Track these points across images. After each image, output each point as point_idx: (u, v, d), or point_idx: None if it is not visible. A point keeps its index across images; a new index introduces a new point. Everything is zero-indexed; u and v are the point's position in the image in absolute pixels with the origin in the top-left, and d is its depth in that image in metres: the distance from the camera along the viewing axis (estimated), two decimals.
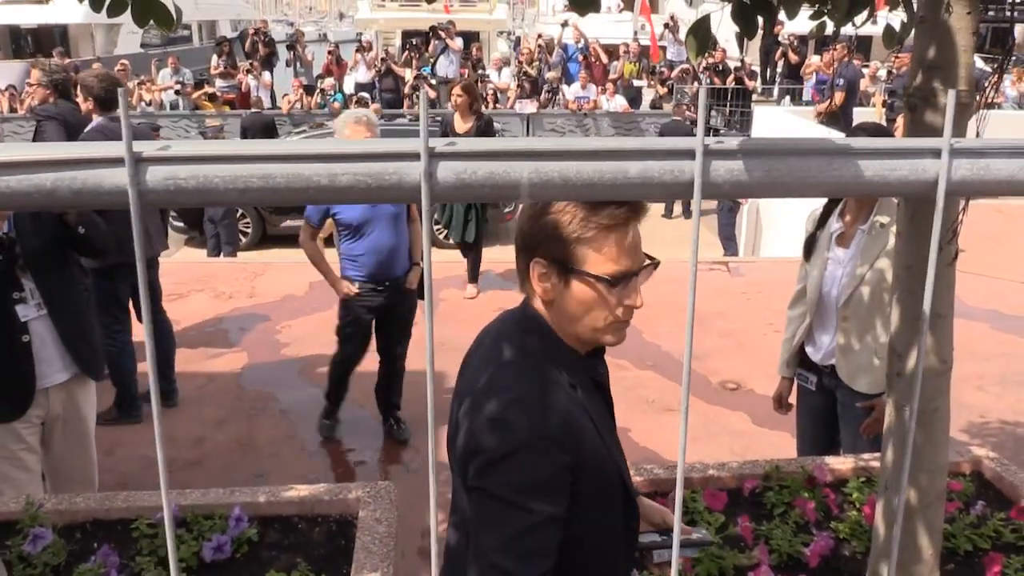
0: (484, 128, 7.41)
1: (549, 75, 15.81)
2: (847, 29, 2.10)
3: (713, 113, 14.88)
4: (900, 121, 7.88)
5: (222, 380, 5.88)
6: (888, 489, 2.07)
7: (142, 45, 23.40)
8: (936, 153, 0.38)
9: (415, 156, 0.36)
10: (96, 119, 4.86)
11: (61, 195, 0.35)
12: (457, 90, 7.35)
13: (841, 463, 3.21)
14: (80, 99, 4.93)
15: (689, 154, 0.38)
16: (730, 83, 14.63)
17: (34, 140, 6.13)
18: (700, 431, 5.11)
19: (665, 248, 11.36)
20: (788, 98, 14.67)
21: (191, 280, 7.86)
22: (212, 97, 14.42)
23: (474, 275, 7.80)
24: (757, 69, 16.65)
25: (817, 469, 3.07)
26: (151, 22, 2.27)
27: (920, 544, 2.12)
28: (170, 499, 2.67)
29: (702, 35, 1.59)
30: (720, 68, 15.34)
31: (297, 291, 7.46)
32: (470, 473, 1.44)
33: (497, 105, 14.69)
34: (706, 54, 1.88)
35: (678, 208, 12.38)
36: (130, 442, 4.95)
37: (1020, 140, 0.41)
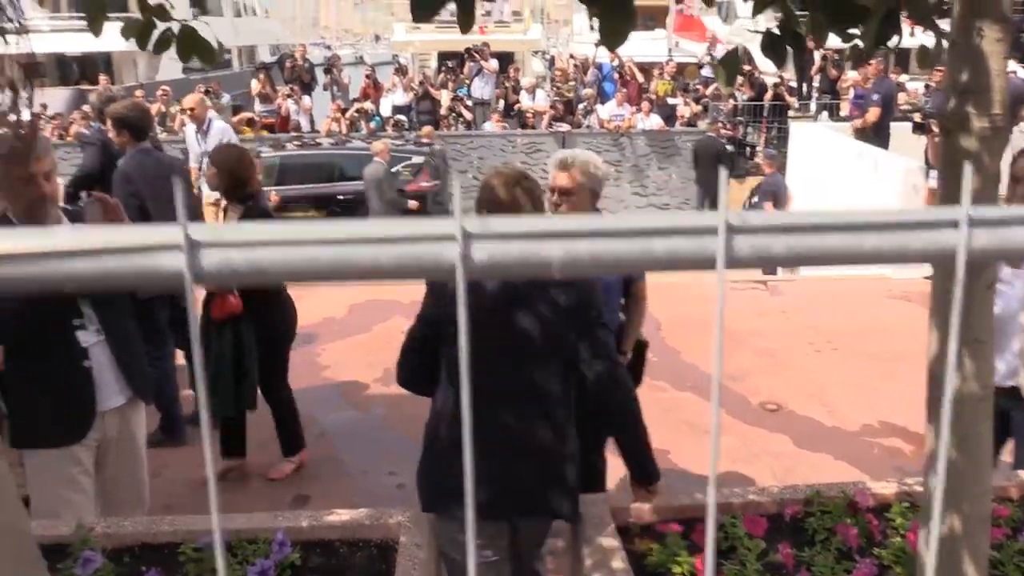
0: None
1: (584, 93, 15.87)
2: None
3: (749, 129, 14.81)
4: (931, 141, 7.80)
5: (262, 403, 5.95)
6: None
7: (184, 70, 23.94)
8: (954, 224, 0.40)
9: (451, 238, 0.38)
10: (130, 150, 4.98)
11: (124, 278, 0.38)
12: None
13: (883, 487, 3.16)
14: (113, 132, 5.04)
15: (712, 231, 0.39)
16: (768, 99, 14.55)
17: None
18: (740, 453, 5.06)
19: None
20: (826, 113, 14.54)
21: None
22: (251, 122, 14.68)
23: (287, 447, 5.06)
24: (794, 84, 16.56)
25: (859, 494, 3.03)
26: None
27: (965, 571, 2.09)
28: (220, 523, 2.71)
29: (732, 66, 1.60)
30: (756, 83, 15.28)
31: (337, 314, 7.55)
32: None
33: (532, 126, 14.78)
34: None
35: None
36: (176, 464, 5.03)
37: None
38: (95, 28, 2.15)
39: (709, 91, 15.56)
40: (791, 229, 0.39)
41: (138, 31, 2.21)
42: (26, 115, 2.12)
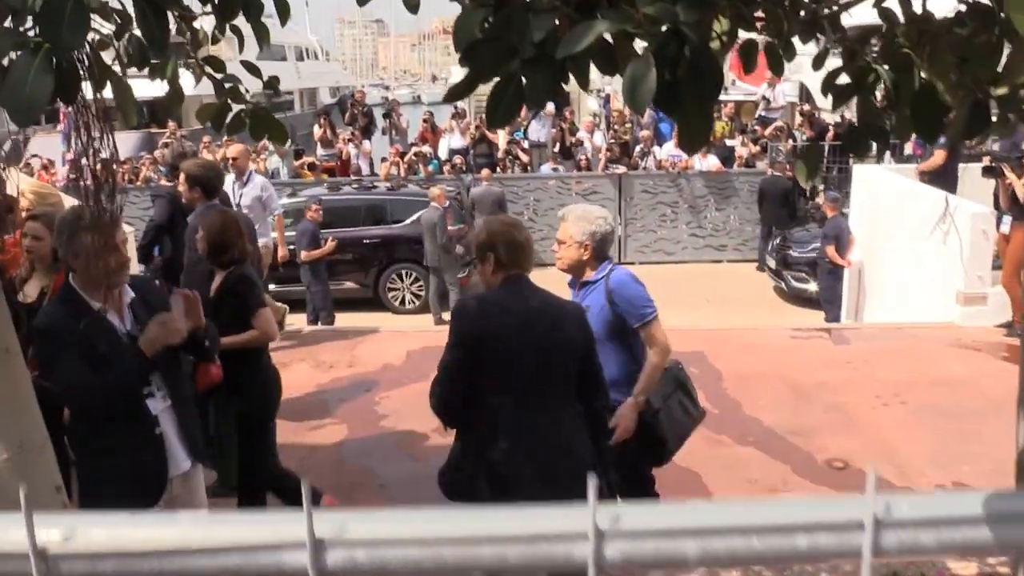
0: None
1: (642, 135, 15.86)
2: None
3: None
4: (1002, 185, 7.55)
5: (323, 452, 5.99)
6: None
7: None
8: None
9: (583, 537, 0.36)
10: (200, 206, 5.12)
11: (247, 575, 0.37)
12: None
13: (964, 567, 3.03)
14: (184, 188, 5.19)
15: (858, 525, 0.37)
16: (829, 139, 14.35)
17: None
18: None
19: (761, 312, 11.13)
20: (888, 154, 14.29)
21: (294, 349, 8.09)
22: (311, 166, 14.98)
23: None
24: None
25: (939, 574, 2.91)
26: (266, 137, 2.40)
27: None
28: None
29: (812, 161, 1.57)
30: (817, 123, 15.10)
31: (395, 360, 7.59)
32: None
33: (589, 168, 14.81)
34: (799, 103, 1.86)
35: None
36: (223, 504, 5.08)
37: None
38: (159, 73, 2.21)
39: (768, 131, 15.42)
40: (945, 522, 0.37)
41: (214, 113, 2.26)
42: (104, 155, 2.17)
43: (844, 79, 1.56)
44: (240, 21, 2.15)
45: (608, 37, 1.33)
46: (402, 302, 11.64)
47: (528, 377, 3.01)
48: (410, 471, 5.68)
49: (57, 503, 1.94)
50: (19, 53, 1.21)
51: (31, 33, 1.24)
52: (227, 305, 4.03)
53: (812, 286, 11.40)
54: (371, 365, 7.55)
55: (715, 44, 1.36)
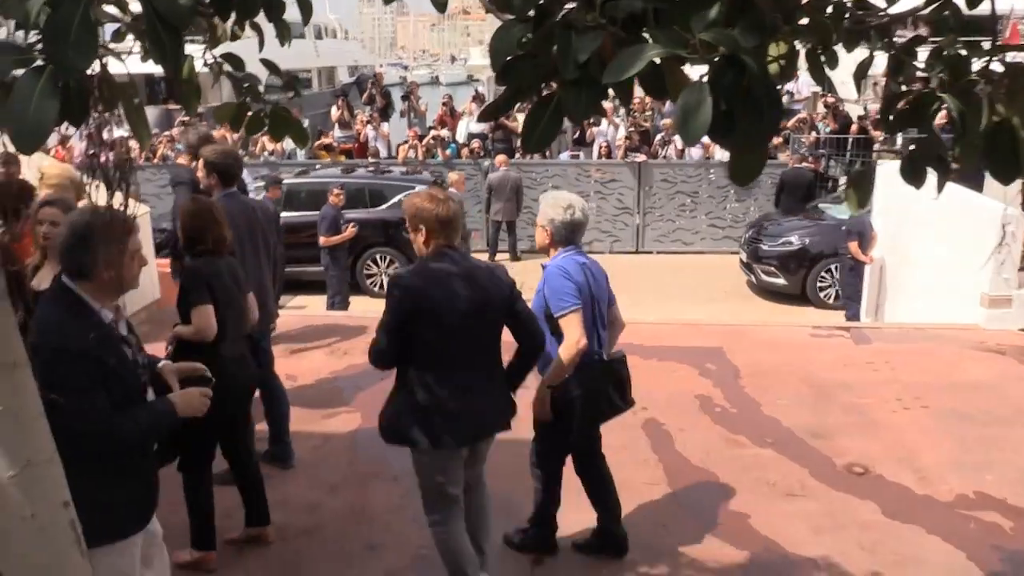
0: None
1: (663, 123, 15.68)
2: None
3: (832, 163, 14.40)
4: None
5: (337, 441, 5.94)
6: None
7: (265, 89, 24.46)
8: None
9: None
10: (218, 193, 5.04)
11: None
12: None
13: None
14: (202, 173, 5.12)
15: None
16: (852, 132, 14.13)
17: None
18: (824, 521, 4.82)
19: (779, 310, 10.98)
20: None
21: (310, 334, 8.04)
22: (328, 147, 14.89)
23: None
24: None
25: None
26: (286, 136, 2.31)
27: None
28: None
29: (863, 189, 1.47)
30: (840, 115, 14.87)
31: None
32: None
33: (609, 156, 14.65)
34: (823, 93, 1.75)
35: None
36: (278, 485, 5.01)
37: None
38: (190, 109, 2.12)
39: (791, 123, 15.20)
40: None
41: (232, 113, 2.18)
42: (120, 133, 2.07)
43: (902, 105, 1.45)
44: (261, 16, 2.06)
45: (657, 61, 1.23)
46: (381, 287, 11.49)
47: (458, 337, 3.48)
48: None
49: (64, 519, 1.87)
50: (22, 72, 1.13)
51: (37, 47, 1.15)
52: (181, 297, 4.06)
53: (781, 280, 11.27)
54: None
55: (772, 68, 1.25)
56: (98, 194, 1.89)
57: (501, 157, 13.31)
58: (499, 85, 1.34)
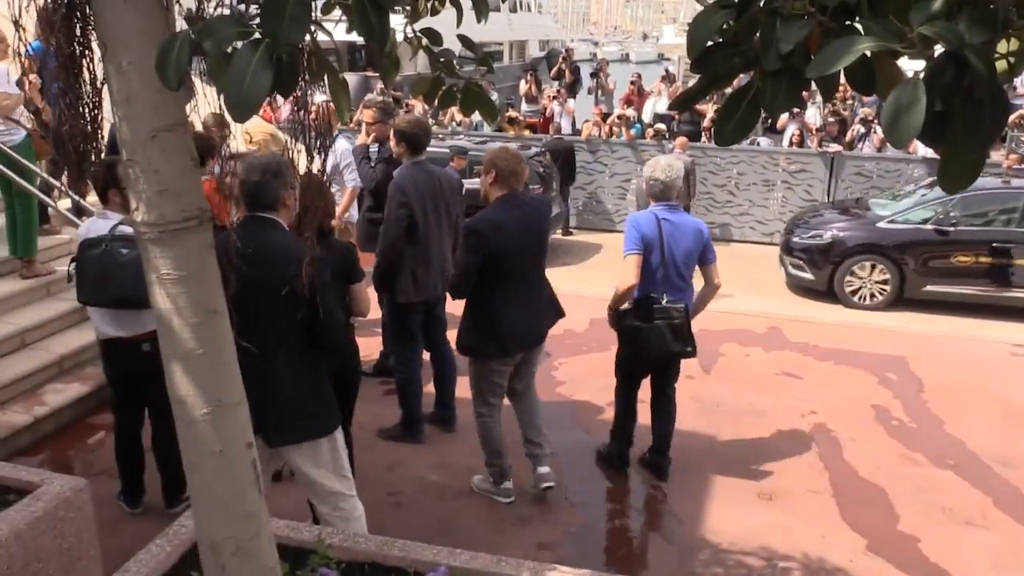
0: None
1: (863, 112, 14.77)
2: None
3: None
4: None
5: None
6: None
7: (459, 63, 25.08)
8: None
9: None
10: (406, 161, 5.22)
11: None
12: None
13: None
14: (393, 142, 5.32)
15: None
16: None
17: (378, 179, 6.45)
18: (1006, 558, 4.44)
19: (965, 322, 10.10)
20: None
21: None
22: (512, 121, 15.07)
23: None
24: None
25: None
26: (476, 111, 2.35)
27: None
28: (444, 558, 2.70)
29: None
30: None
31: (577, 327, 7.53)
32: None
33: (802, 144, 13.96)
34: None
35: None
36: (410, 462, 5.25)
37: None
38: (388, 82, 2.20)
39: (1011, 119, 13.91)
40: None
41: (427, 87, 2.24)
42: (320, 98, 2.17)
43: None
44: None
45: (868, 54, 1.15)
46: None
47: (524, 265, 4.48)
48: (580, 442, 5.65)
49: (247, 458, 2.02)
50: (241, 44, 1.21)
51: (255, 22, 1.23)
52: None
53: (808, 275, 10.28)
54: (554, 328, 7.53)
55: (1000, 66, 1.14)
56: (299, 157, 2.00)
57: (682, 140, 12.84)
58: (695, 72, 1.30)
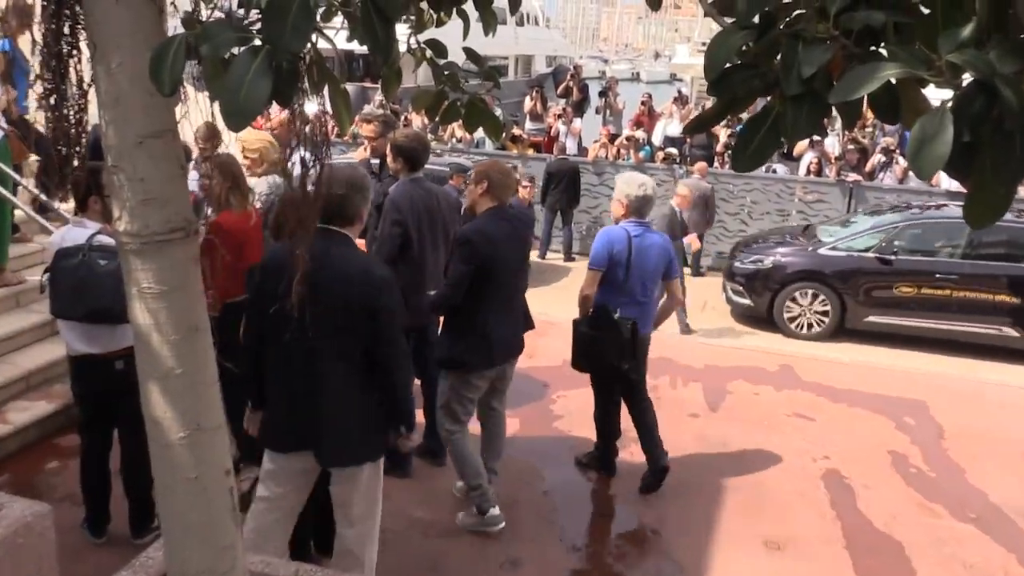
0: None
1: (884, 141, 14.86)
2: None
3: None
4: None
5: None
6: None
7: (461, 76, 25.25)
8: None
9: None
10: (403, 177, 5.24)
11: None
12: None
13: None
14: (390, 157, 5.32)
15: None
16: None
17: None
18: None
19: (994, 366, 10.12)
20: None
21: None
22: (515, 139, 15.15)
23: None
24: None
25: None
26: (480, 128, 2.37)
27: None
28: None
29: None
30: None
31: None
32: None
33: (820, 172, 14.02)
34: None
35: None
36: (396, 496, 5.21)
37: None
38: (389, 94, 2.23)
39: None
40: None
41: (430, 101, 2.26)
42: (312, 108, 2.18)
43: None
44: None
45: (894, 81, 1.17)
46: None
47: (509, 276, 4.70)
48: (576, 481, 5.63)
49: (225, 486, 2.02)
50: (240, 50, 1.23)
51: (255, 27, 1.25)
52: None
53: (748, 301, 10.45)
54: (552, 359, 7.52)
55: None
56: (293, 171, 2.01)
57: (701, 165, 12.89)
58: (711, 95, 1.32)
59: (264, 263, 3.55)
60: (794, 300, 10.24)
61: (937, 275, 9.72)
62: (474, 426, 5.02)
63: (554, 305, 8.49)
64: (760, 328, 10.41)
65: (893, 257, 9.87)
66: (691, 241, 10.41)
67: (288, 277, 3.04)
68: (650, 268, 5.24)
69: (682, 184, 10.88)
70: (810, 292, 10.18)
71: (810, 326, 10.19)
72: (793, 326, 10.24)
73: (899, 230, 10.12)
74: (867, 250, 10.04)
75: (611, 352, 5.16)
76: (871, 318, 9.94)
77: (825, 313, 10.10)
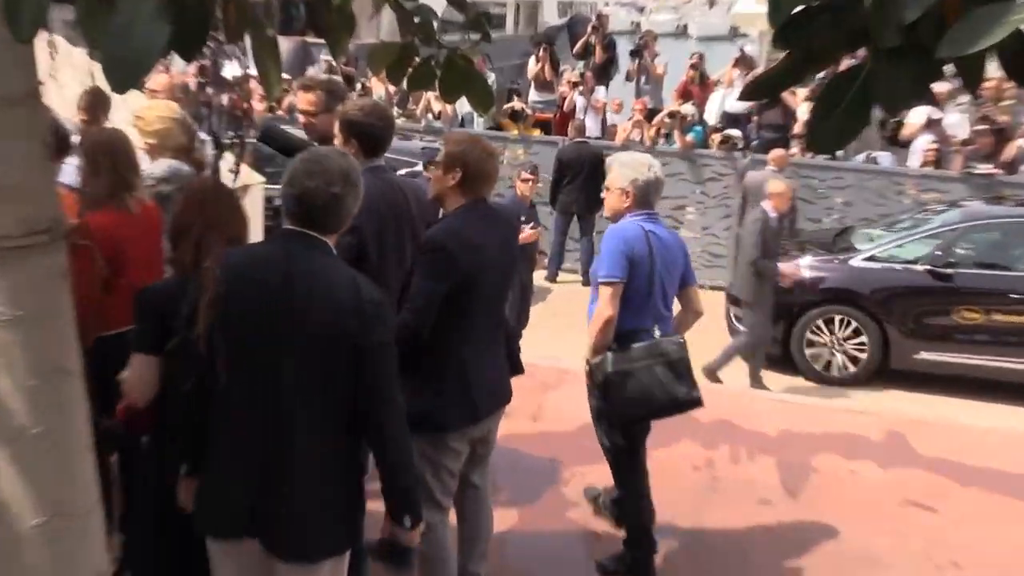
0: None
1: None
2: None
3: None
4: None
5: None
6: None
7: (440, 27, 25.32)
8: None
9: None
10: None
11: None
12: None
13: None
14: (339, 138, 5.08)
15: None
16: None
17: None
18: None
19: None
20: None
21: None
22: (515, 115, 15.15)
23: None
24: None
25: None
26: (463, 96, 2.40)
27: None
28: None
29: None
30: None
31: None
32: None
33: (938, 163, 14.06)
34: None
35: None
36: None
37: None
38: (337, 51, 2.25)
39: None
40: None
41: (393, 57, 2.27)
42: (234, 71, 2.20)
43: None
44: None
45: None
46: None
47: (492, 296, 4.78)
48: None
49: None
50: None
51: None
52: None
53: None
54: (563, 422, 7.52)
55: None
56: (205, 152, 2.03)
57: (778, 153, 12.68)
58: (778, 48, 1.34)
59: (227, 271, 3.47)
60: (817, 330, 10.22)
61: (1013, 295, 9.70)
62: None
63: (567, 346, 8.49)
64: (774, 368, 10.32)
65: (951, 271, 9.85)
66: (788, 272, 10.10)
67: (263, 294, 3.06)
68: (674, 273, 5.36)
69: (775, 179, 10.71)
70: (838, 319, 10.15)
71: (843, 365, 10.17)
72: (818, 365, 10.24)
73: (960, 233, 10.10)
74: (916, 261, 10.03)
75: (663, 387, 5.18)
76: (923, 354, 9.90)
77: (861, 347, 10.06)
